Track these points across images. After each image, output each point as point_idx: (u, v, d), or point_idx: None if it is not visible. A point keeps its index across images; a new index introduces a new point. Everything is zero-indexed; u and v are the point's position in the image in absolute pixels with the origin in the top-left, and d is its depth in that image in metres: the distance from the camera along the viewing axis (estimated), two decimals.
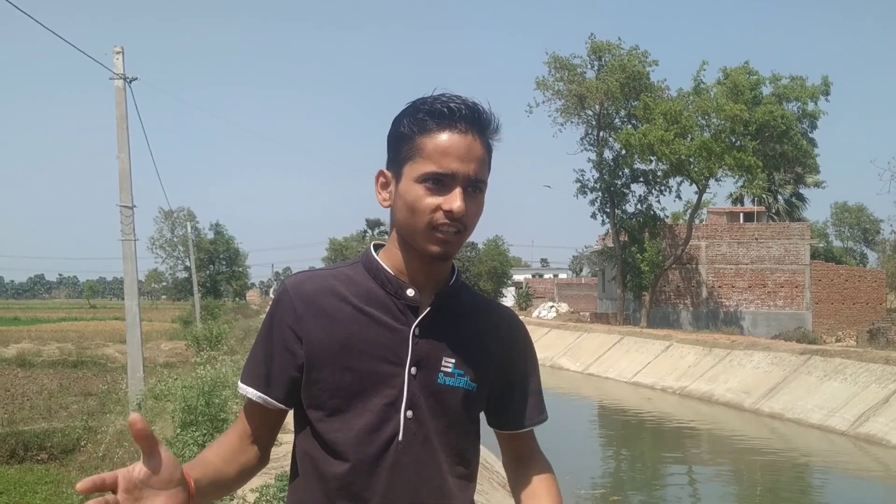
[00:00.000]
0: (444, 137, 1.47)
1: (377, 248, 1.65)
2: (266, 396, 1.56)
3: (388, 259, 1.60)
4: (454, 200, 1.47)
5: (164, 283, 74.74)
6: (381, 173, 1.58)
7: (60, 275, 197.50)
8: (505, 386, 1.68)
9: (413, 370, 1.53)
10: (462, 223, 1.50)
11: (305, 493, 1.55)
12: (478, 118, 1.51)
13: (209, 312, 36.77)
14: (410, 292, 1.56)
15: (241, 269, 70.72)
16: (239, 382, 1.60)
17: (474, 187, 1.51)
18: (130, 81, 13.68)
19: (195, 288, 40.65)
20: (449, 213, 1.47)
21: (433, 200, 1.47)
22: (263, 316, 1.69)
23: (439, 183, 1.48)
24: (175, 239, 62.90)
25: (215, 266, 66.79)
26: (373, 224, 77.50)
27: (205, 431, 7.65)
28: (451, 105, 1.49)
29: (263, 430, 1.60)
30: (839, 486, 12.47)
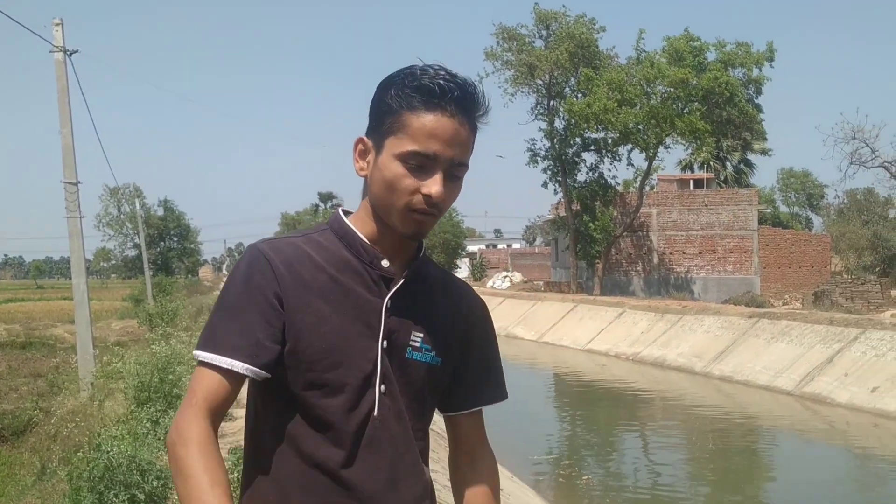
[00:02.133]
0: (430, 118, 1.43)
1: (345, 214, 1.60)
2: (256, 368, 1.42)
3: (361, 227, 1.55)
4: (434, 185, 1.44)
5: (114, 262, 73.39)
6: (360, 140, 1.53)
7: (5, 255, 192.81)
8: (465, 362, 1.64)
9: (385, 343, 1.49)
10: (438, 207, 1.46)
11: (281, 472, 1.47)
12: (468, 101, 1.46)
13: (161, 290, 36.14)
14: (385, 263, 1.53)
15: (192, 246, 69.86)
16: (210, 354, 1.42)
17: (455, 172, 1.48)
18: (71, 54, 13.33)
19: (146, 265, 40.05)
20: (427, 198, 1.44)
21: (412, 182, 1.44)
22: (217, 292, 1.60)
23: (420, 164, 1.43)
24: (122, 216, 61.80)
25: (166, 243, 65.86)
26: (325, 197, 77.06)
27: (160, 408, 7.60)
28: (442, 83, 1.43)
29: (227, 406, 1.45)
30: (786, 444, 12.84)
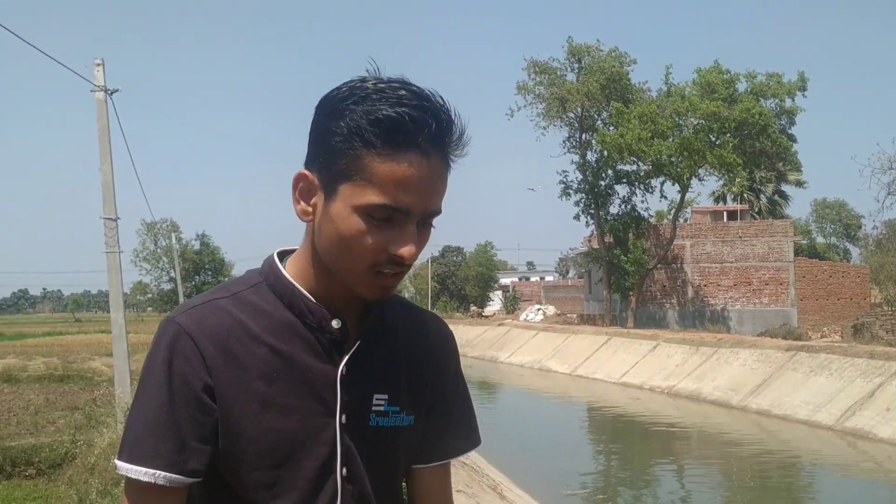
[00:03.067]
0: (401, 165, 1.12)
1: (281, 256, 1.32)
2: (182, 478, 1.18)
3: (303, 279, 1.26)
4: (406, 243, 1.16)
5: (150, 295, 74.44)
6: (302, 177, 1.21)
7: (44, 289, 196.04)
8: (435, 408, 1.38)
9: (343, 418, 1.25)
10: (407, 266, 1.20)
11: None
12: (445, 134, 1.17)
13: None
14: (336, 323, 1.25)
15: (226, 280, 70.48)
16: (128, 466, 1.18)
17: (427, 220, 1.20)
18: (112, 93, 13.65)
19: (181, 299, 40.53)
20: (398, 258, 1.16)
21: (378, 241, 1.15)
22: None
23: (388, 217, 1.15)
24: (159, 250, 62.75)
25: (201, 276, 66.57)
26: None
27: None
28: (412, 113, 1.12)
29: None
30: (828, 481, 12.56)
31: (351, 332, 1.27)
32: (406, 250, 1.16)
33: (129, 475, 1.18)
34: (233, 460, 1.21)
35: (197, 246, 66.45)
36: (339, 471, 1.24)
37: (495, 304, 61.62)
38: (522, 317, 44.05)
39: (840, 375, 16.59)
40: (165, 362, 1.20)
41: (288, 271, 1.28)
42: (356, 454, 1.26)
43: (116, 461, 1.20)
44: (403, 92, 1.14)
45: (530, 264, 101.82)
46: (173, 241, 52.70)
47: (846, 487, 12.15)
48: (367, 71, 1.18)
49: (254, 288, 1.27)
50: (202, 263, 66.16)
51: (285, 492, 1.22)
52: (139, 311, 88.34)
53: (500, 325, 39.72)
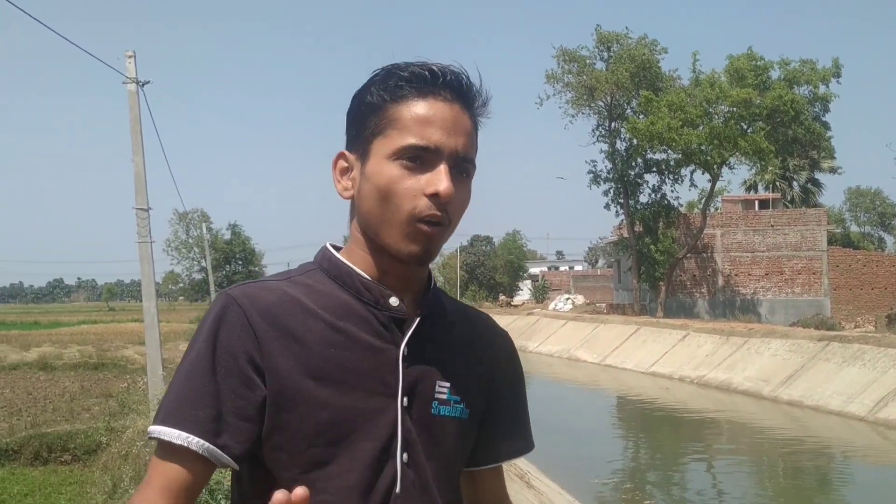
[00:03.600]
0: (424, 104, 1.17)
1: (335, 249, 1.31)
2: (215, 448, 1.12)
3: (357, 261, 1.25)
4: (440, 180, 1.15)
5: (181, 285, 75.26)
6: (341, 156, 1.25)
7: (79, 278, 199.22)
8: (491, 410, 1.36)
9: (405, 401, 1.20)
10: (448, 213, 1.18)
11: None
12: (465, 87, 1.21)
13: None
14: (394, 301, 1.22)
15: (257, 269, 71.23)
16: (161, 428, 1.12)
17: (461, 168, 1.20)
18: (143, 85, 13.78)
19: (212, 288, 40.95)
20: (434, 197, 1.15)
21: (413, 183, 1.16)
22: None
23: (420, 160, 1.16)
24: (190, 240, 63.39)
25: (231, 266, 67.22)
26: None
27: None
28: (434, 68, 1.19)
29: (194, 495, 1.15)
30: (860, 472, 12.44)
31: (410, 312, 1.24)
32: (442, 187, 1.14)
33: (162, 437, 1.12)
34: (286, 436, 1.15)
35: (228, 235, 67.14)
36: (400, 456, 1.19)
37: (524, 293, 61.52)
38: (551, 306, 43.96)
39: (873, 366, 16.39)
40: (212, 332, 1.16)
41: (342, 257, 1.27)
42: (417, 441, 1.21)
43: (150, 427, 1.15)
44: (427, 63, 1.20)
45: (559, 254, 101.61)
46: (204, 230, 53.20)
47: (878, 477, 12.03)
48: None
49: (308, 273, 1.26)
50: (233, 253, 66.81)
51: (343, 472, 1.16)
52: (171, 301, 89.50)
53: (528, 314, 39.69)
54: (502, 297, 55.52)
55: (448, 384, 1.25)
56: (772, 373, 18.95)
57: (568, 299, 44.28)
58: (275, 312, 1.18)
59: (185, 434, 1.11)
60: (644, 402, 19.28)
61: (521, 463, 8.14)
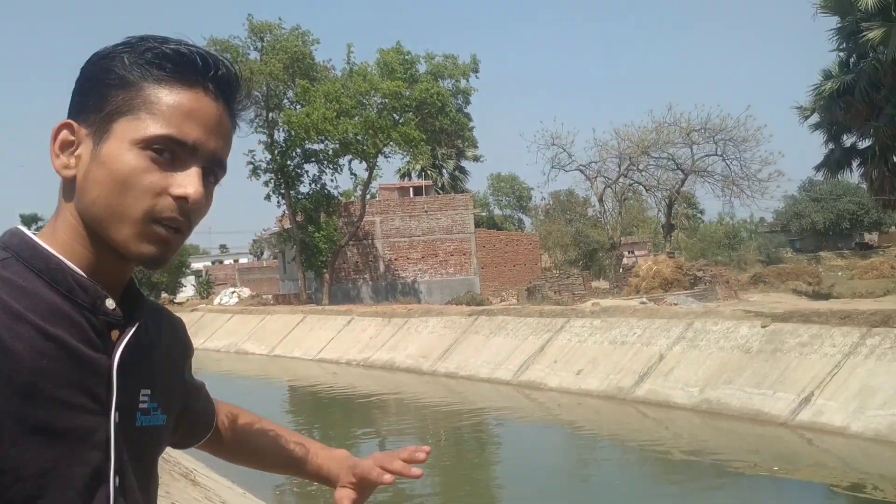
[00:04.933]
0: (190, 95, 1.02)
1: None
2: None
3: (67, 253, 1.04)
4: (191, 182, 1.01)
5: None
6: (66, 126, 1.04)
7: None
8: (191, 398, 1.33)
9: (117, 416, 1.04)
10: (189, 219, 1.04)
11: None
12: (232, 84, 1.08)
13: None
14: (111, 304, 1.05)
15: None
16: None
17: (213, 173, 1.07)
18: None
19: None
20: (181, 200, 1.01)
21: (158, 179, 1.00)
22: None
23: (171, 154, 1.01)
24: None
25: None
26: (29, 220, 70.50)
27: None
28: (204, 54, 1.04)
29: None
30: (510, 429, 13.71)
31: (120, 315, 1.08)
32: (192, 191, 1.00)
33: None
34: None
35: None
36: (112, 480, 1.03)
37: (188, 290, 59.26)
38: (217, 301, 42.87)
39: (515, 335, 18.11)
40: None
41: (48, 246, 1.04)
42: (127, 462, 1.06)
43: None
44: (187, 42, 1.05)
45: (223, 247, 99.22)
46: None
47: (524, 433, 13.35)
48: None
49: (1, 264, 1.00)
50: None
51: None
52: None
53: (193, 310, 38.32)
54: (165, 296, 52.99)
55: (149, 391, 1.12)
56: (430, 349, 20.16)
57: (233, 293, 43.48)
58: None
59: None
60: (313, 387, 19.54)
61: (186, 461, 7.85)
